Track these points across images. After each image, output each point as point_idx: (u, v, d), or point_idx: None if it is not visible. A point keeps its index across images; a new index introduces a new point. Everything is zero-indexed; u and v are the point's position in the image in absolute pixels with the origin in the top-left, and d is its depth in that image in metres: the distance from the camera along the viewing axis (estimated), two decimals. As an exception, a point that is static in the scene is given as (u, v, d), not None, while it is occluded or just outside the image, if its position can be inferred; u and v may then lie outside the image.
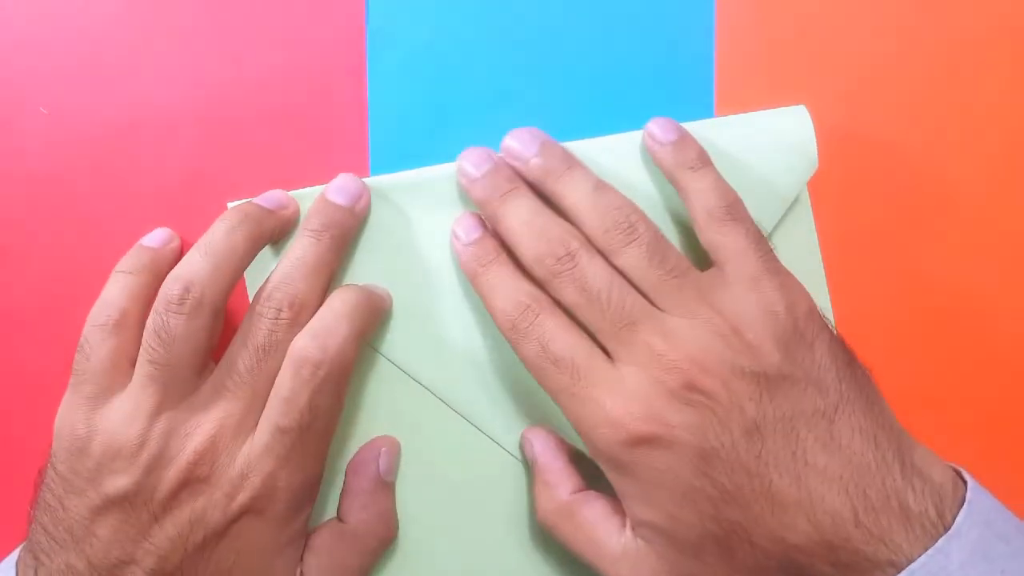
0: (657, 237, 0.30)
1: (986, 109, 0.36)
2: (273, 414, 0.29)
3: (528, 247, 0.30)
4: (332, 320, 0.30)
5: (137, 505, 0.28)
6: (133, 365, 0.30)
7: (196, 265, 0.30)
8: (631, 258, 0.30)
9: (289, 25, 0.34)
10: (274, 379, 0.30)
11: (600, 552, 0.30)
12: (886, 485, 0.26)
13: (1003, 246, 0.36)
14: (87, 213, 0.33)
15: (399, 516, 0.33)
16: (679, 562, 0.28)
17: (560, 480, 0.31)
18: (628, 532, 0.29)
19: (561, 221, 0.31)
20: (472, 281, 0.32)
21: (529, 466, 0.33)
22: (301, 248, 0.31)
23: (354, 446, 0.34)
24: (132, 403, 0.29)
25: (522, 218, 0.31)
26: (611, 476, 0.29)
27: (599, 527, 0.30)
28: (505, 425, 0.34)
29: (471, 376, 0.33)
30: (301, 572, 0.31)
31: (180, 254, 0.33)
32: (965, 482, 0.27)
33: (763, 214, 0.33)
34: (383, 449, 0.33)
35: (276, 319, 0.30)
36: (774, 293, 0.29)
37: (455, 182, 0.33)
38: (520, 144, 0.32)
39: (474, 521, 0.34)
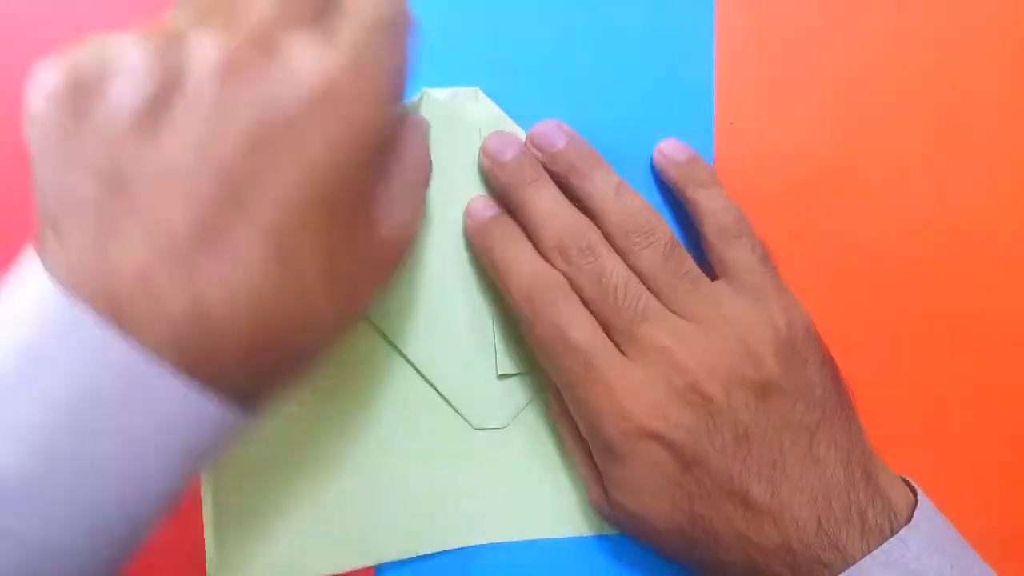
0: (674, 242, 0.31)
1: (987, 113, 0.36)
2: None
3: (551, 236, 0.31)
4: None
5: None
6: None
7: None
8: (647, 260, 0.31)
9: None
10: None
11: (591, 481, 0.33)
12: (850, 499, 0.29)
13: (1005, 251, 0.36)
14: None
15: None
16: (643, 536, 0.31)
17: None
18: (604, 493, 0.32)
19: (583, 216, 0.32)
20: (486, 255, 0.32)
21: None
22: None
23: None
24: None
25: (547, 207, 0.31)
26: (601, 460, 0.31)
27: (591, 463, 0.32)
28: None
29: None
30: None
31: None
32: (915, 491, 0.30)
33: None
34: None
35: None
36: (777, 309, 0.30)
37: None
38: (546, 136, 0.32)
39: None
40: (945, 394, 0.36)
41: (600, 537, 0.35)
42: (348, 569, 0.33)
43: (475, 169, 0.34)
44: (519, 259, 0.31)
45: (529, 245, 0.32)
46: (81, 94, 0.21)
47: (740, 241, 0.32)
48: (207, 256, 0.20)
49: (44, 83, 0.22)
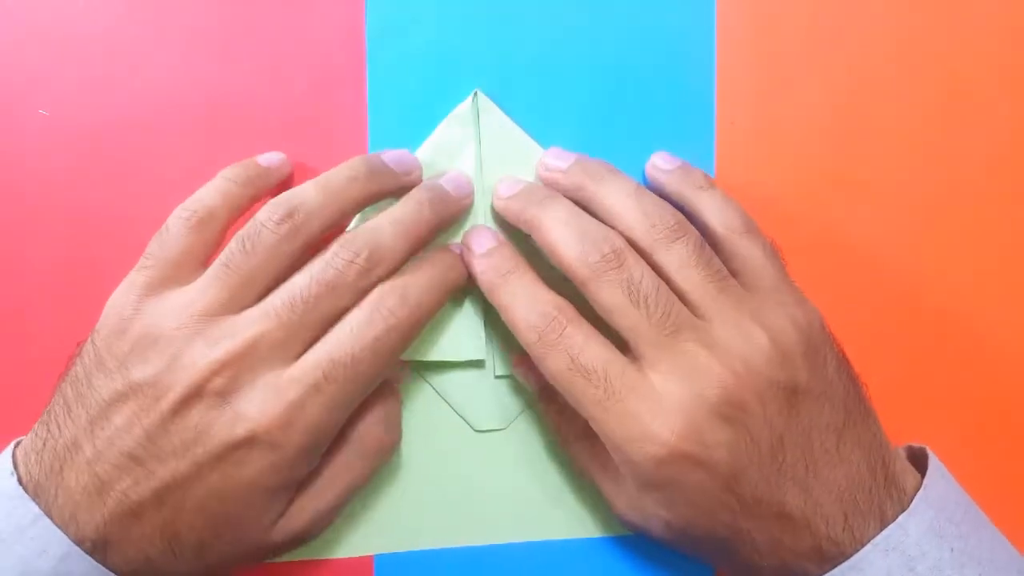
0: (701, 239, 0.30)
1: (987, 112, 0.36)
2: (329, 346, 0.28)
3: (570, 246, 0.29)
4: (422, 277, 0.30)
5: (152, 400, 0.27)
6: (202, 268, 0.29)
7: (307, 195, 0.30)
8: (677, 255, 0.29)
9: (289, 25, 0.34)
10: (326, 322, 0.29)
11: (613, 491, 0.31)
12: (872, 495, 0.28)
13: (1004, 249, 0.36)
14: (87, 213, 0.33)
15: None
16: (680, 543, 0.30)
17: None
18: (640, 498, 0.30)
19: (602, 224, 0.30)
20: (491, 293, 0.31)
21: (534, 393, 0.34)
22: (403, 211, 0.31)
23: None
24: (187, 298, 0.28)
25: (562, 218, 0.30)
26: (635, 484, 0.29)
27: (614, 470, 0.31)
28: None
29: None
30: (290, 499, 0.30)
31: (287, 183, 0.33)
32: (925, 466, 0.30)
33: None
34: None
35: (352, 260, 0.29)
36: (796, 308, 0.30)
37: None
38: (556, 156, 0.33)
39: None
40: (944, 391, 0.36)
41: (601, 538, 0.35)
42: (345, 556, 0.34)
43: (473, 173, 0.34)
44: (520, 292, 0.30)
45: (529, 273, 0.31)
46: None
47: (749, 238, 0.31)
48: (121, 528, 0.27)
49: None
